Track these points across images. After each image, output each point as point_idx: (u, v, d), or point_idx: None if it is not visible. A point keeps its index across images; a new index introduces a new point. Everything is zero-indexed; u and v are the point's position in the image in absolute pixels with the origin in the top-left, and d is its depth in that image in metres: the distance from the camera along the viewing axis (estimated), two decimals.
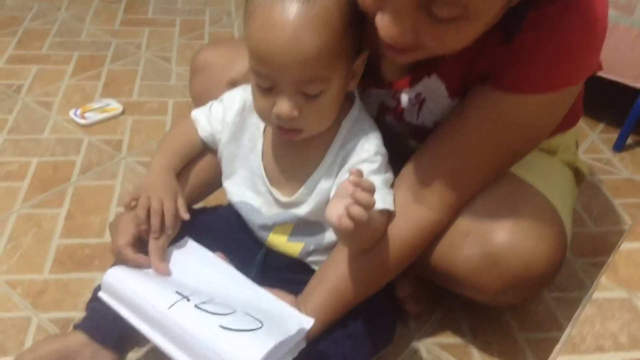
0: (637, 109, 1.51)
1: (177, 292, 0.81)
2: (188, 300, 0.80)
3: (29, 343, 0.99)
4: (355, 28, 0.78)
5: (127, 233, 0.89)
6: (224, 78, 1.13)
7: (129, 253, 0.88)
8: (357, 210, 0.70)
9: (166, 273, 0.88)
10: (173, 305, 0.78)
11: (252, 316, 0.78)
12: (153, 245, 0.89)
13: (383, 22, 0.70)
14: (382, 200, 0.83)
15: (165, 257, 0.90)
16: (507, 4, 0.69)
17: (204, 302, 0.79)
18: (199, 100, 1.10)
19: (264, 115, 0.85)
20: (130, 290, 0.81)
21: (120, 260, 0.89)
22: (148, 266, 0.87)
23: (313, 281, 0.89)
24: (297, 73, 0.76)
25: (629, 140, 1.61)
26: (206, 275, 0.88)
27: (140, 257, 0.88)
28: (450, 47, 0.74)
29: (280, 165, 0.91)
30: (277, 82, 0.78)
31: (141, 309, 0.80)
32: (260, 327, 0.76)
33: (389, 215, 0.86)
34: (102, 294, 0.84)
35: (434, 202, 0.86)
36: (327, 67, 0.77)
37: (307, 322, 0.79)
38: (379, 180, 0.84)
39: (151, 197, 0.89)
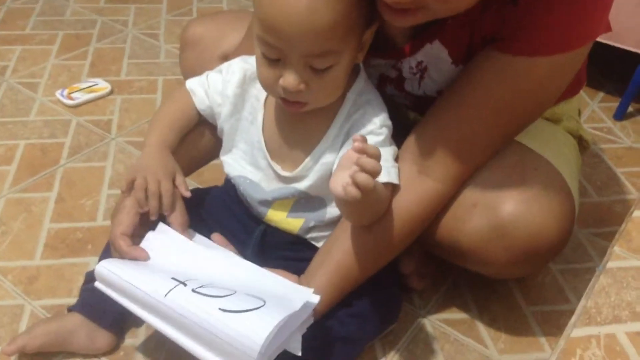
0: (638, 77, 1.48)
1: (173, 279, 0.78)
2: (185, 285, 0.77)
3: (22, 331, 0.96)
4: None
5: (122, 222, 0.85)
6: (216, 52, 1.10)
7: (122, 245, 0.84)
8: (363, 177, 0.67)
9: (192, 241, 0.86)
10: (169, 292, 0.75)
11: (253, 295, 0.75)
12: (174, 224, 0.87)
13: None
14: (387, 173, 0.80)
15: (187, 226, 0.88)
16: None
17: (201, 286, 0.77)
18: (191, 75, 1.05)
19: (268, 86, 0.81)
20: (124, 282, 0.78)
21: (114, 250, 0.86)
22: (144, 259, 0.83)
23: (317, 259, 0.87)
24: (308, 46, 0.73)
25: (630, 109, 1.59)
26: (203, 259, 0.85)
27: (134, 249, 0.84)
28: (455, 5, 0.70)
29: (282, 138, 0.88)
30: (285, 53, 0.74)
31: (138, 298, 0.77)
32: (263, 305, 0.73)
33: (393, 188, 0.83)
34: (97, 284, 0.81)
35: (439, 173, 0.83)
36: (339, 41, 0.74)
37: (314, 297, 0.77)
38: (384, 152, 0.81)
39: (147, 177, 0.85)
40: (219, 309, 0.73)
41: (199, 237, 0.89)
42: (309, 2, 0.69)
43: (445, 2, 0.68)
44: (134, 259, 0.83)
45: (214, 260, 0.85)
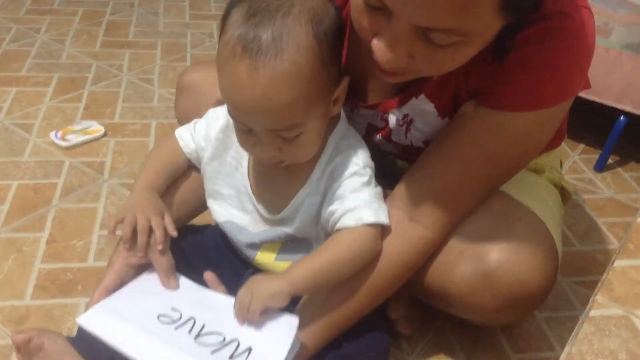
0: (618, 130, 1.54)
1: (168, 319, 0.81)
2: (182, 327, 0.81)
3: None
4: (330, 65, 0.78)
5: (108, 279, 0.87)
6: (211, 98, 1.12)
7: (96, 298, 0.86)
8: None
9: (175, 287, 0.87)
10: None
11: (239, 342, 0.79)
12: (158, 262, 0.87)
13: (379, 47, 0.70)
14: (375, 213, 0.83)
15: (173, 271, 0.88)
16: (504, 25, 0.69)
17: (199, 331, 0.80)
18: (186, 120, 1.08)
19: (246, 150, 0.86)
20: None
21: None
22: None
23: (305, 300, 0.88)
24: (270, 124, 0.77)
25: (610, 161, 1.64)
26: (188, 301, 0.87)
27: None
28: (445, 70, 0.75)
29: (267, 182, 0.91)
30: (253, 128, 0.78)
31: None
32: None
33: (382, 228, 0.85)
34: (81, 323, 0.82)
35: (428, 221, 0.86)
36: (302, 115, 0.77)
37: (294, 322, 0.80)
38: (370, 192, 0.84)
39: (137, 215, 0.87)
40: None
41: (184, 280, 0.90)
42: (263, 89, 0.72)
43: (436, 67, 0.73)
44: None
45: (200, 301, 0.87)
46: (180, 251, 0.93)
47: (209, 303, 0.86)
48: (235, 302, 0.81)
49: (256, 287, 0.80)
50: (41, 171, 1.43)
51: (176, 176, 0.97)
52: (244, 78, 0.73)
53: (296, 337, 0.79)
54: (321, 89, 0.78)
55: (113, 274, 0.88)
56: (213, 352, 0.77)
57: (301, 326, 0.84)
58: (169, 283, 0.88)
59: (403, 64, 0.71)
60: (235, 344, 0.78)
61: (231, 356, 0.77)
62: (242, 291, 0.81)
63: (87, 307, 0.85)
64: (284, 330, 0.79)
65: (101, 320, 0.81)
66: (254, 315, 0.79)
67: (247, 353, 0.77)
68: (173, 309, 0.83)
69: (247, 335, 0.79)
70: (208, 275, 0.91)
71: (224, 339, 0.79)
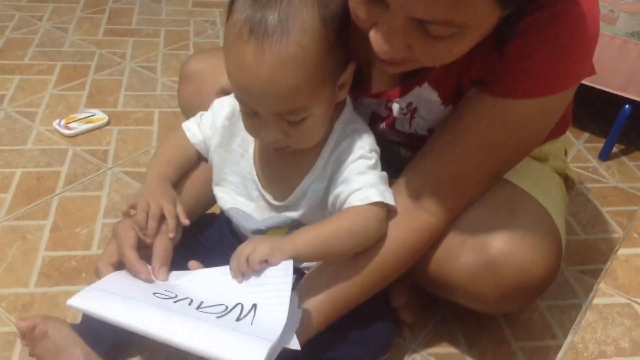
0: (622, 118, 1.53)
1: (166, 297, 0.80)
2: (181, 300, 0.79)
3: (15, 359, 0.96)
4: (337, 49, 0.78)
5: (129, 237, 0.86)
6: (214, 86, 1.13)
7: (132, 256, 0.84)
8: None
9: (163, 280, 0.85)
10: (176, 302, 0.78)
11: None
12: (157, 249, 0.86)
13: (376, 39, 0.70)
14: (380, 194, 0.83)
15: (167, 263, 0.87)
16: (501, 16, 0.69)
17: (199, 305, 0.79)
18: (188, 108, 1.09)
19: (251, 134, 0.86)
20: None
21: (124, 262, 0.86)
22: (146, 278, 0.83)
23: (307, 279, 0.88)
24: (276, 107, 0.77)
25: (614, 149, 1.63)
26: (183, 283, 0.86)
27: (141, 265, 0.84)
28: (443, 61, 0.74)
29: (273, 168, 0.91)
30: (258, 110, 0.78)
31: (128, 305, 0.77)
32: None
33: (388, 212, 0.85)
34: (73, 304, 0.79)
35: (433, 208, 0.86)
36: (307, 98, 0.77)
37: (288, 265, 0.78)
38: (376, 175, 0.84)
39: (150, 201, 0.87)
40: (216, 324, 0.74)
41: (174, 273, 0.88)
42: (269, 72, 0.73)
43: (434, 58, 0.72)
44: (136, 273, 0.84)
45: (193, 280, 0.86)
46: (188, 240, 0.93)
47: (203, 279, 0.85)
48: (233, 256, 0.80)
49: (257, 241, 0.80)
50: (45, 159, 1.43)
51: (186, 168, 0.98)
52: (250, 60, 0.73)
53: (294, 283, 0.77)
54: (327, 72, 0.78)
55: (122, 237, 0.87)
56: (218, 317, 0.76)
57: (305, 303, 0.85)
58: (159, 273, 0.85)
59: (401, 54, 0.71)
60: (240, 307, 0.77)
61: (238, 319, 0.75)
62: (242, 245, 0.80)
63: (103, 254, 0.87)
64: (282, 276, 0.77)
65: (93, 297, 0.79)
66: (253, 265, 0.77)
67: (252, 311, 0.76)
68: (167, 291, 0.82)
69: (248, 295, 0.78)
70: (192, 264, 0.89)
71: (227, 307, 0.78)
